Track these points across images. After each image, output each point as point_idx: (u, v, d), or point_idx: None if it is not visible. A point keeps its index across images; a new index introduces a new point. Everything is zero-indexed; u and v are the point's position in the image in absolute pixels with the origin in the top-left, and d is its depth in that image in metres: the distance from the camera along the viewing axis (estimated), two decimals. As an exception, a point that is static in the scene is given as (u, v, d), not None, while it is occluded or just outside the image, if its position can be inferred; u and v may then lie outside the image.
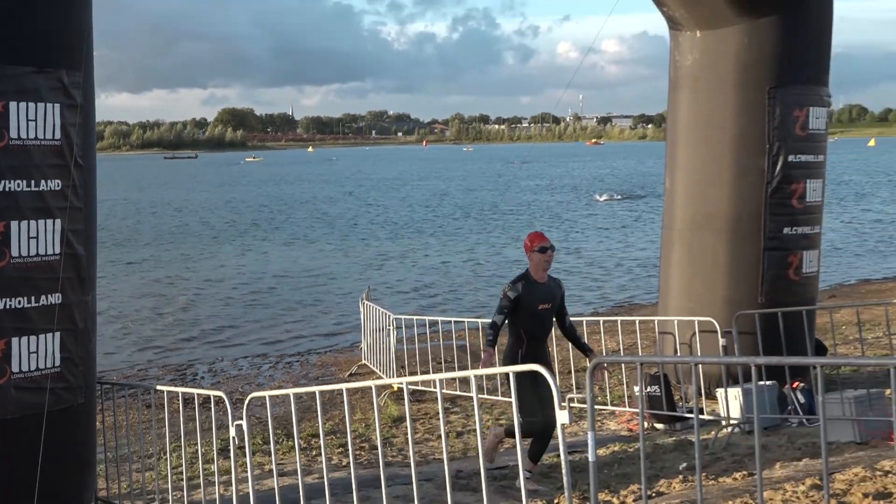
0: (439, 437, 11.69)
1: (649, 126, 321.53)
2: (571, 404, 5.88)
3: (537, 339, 8.83)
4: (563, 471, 5.90)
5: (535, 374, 7.85)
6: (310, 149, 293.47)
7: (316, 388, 7.98)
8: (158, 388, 9.21)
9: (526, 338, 8.75)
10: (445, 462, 6.88)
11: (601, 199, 66.81)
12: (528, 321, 8.71)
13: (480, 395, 8.73)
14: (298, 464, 7.88)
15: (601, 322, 14.19)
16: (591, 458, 5.78)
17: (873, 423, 9.72)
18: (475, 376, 6.82)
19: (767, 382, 11.16)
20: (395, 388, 14.25)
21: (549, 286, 8.88)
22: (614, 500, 8.23)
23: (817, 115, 12.81)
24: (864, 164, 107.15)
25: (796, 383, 11.37)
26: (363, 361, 18.03)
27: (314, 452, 11.24)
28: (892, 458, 7.87)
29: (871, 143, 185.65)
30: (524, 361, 8.46)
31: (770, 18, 12.46)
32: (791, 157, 12.57)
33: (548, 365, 8.80)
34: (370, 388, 7.52)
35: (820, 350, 13.46)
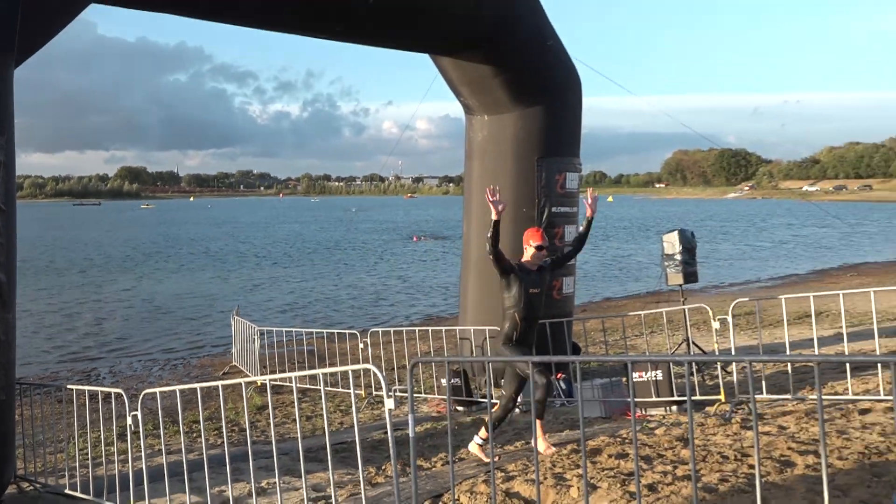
0: (294, 420, 11.49)
1: (451, 184, 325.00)
2: (396, 393, 5.85)
3: (529, 326, 7.93)
4: (390, 444, 5.89)
5: (527, 352, 7.70)
6: (192, 199, 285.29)
7: (197, 385, 7.71)
8: (68, 386, 8.81)
9: (521, 322, 7.86)
10: (299, 440, 6.77)
11: (416, 240, 67.25)
12: (522, 305, 7.84)
13: (326, 388, 8.62)
14: (183, 444, 7.62)
15: (416, 331, 14.23)
16: (411, 434, 5.77)
17: (615, 402, 10.02)
18: (322, 374, 6.77)
19: (539, 374, 11.35)
20: (259, 384, 13.91)
21: (538, 274, 8.09)
22: (426, 464, 8.25)
23: (571, 178, 13.18)
24: (605, 215, 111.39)
25: (560, 374, 11.62)
26: (234, 363, 17.57)
27: (195, 435, 10.85)
28: (628, 428, 8.17)
29: (610, 199, 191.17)
30: (516, 345, 7.86)
31: (537, 107, 12.78)
32: (554, 209, 12.89)
33: (531, 347, 8.07)
34: (240, 384, 7.34)
35: (576, 350, 13.81)
